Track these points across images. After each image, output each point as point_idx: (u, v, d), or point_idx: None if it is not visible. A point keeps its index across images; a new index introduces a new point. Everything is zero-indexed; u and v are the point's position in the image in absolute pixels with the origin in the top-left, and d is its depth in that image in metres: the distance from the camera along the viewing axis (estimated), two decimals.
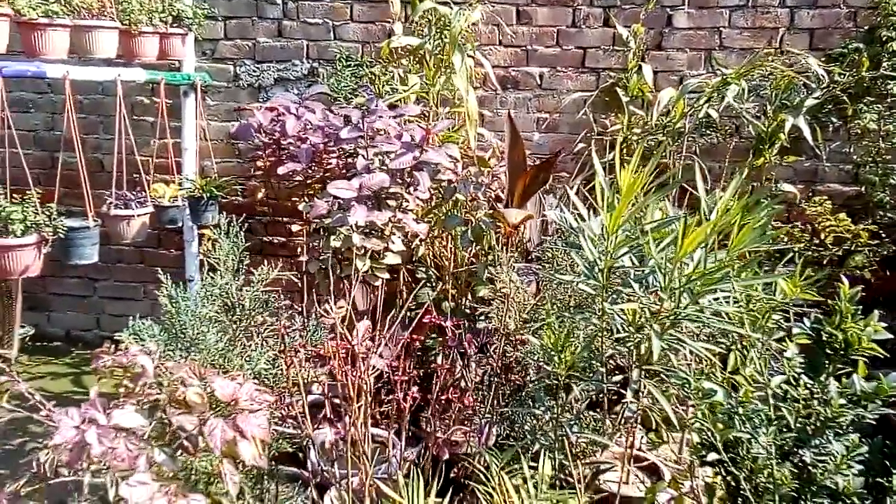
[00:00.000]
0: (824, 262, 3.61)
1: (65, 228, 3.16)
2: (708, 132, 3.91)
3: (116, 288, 4.63)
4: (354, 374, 2.47)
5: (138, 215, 3.61)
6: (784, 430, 1.79)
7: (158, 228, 4.19)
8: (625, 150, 3.88)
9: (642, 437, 2.53)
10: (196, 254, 4.31)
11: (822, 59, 3.75)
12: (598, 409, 2.74)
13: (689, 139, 3.90)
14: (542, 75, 4.09)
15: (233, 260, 2.72)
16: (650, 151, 3.85)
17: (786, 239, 3.74)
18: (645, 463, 2.87)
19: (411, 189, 2.87)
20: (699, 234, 1.87)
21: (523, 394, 2.67)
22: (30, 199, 3.05)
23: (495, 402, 2.61)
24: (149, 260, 4.56)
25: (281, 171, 2.91)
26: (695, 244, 1.87)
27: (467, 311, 3.41)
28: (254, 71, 4.27)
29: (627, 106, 3.88)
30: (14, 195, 3.08)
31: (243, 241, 2.77)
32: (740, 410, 1.79)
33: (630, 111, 3.88)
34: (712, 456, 1.78)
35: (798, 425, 1.78)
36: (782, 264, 3.55)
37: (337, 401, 2.56)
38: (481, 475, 2.23)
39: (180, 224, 4.04)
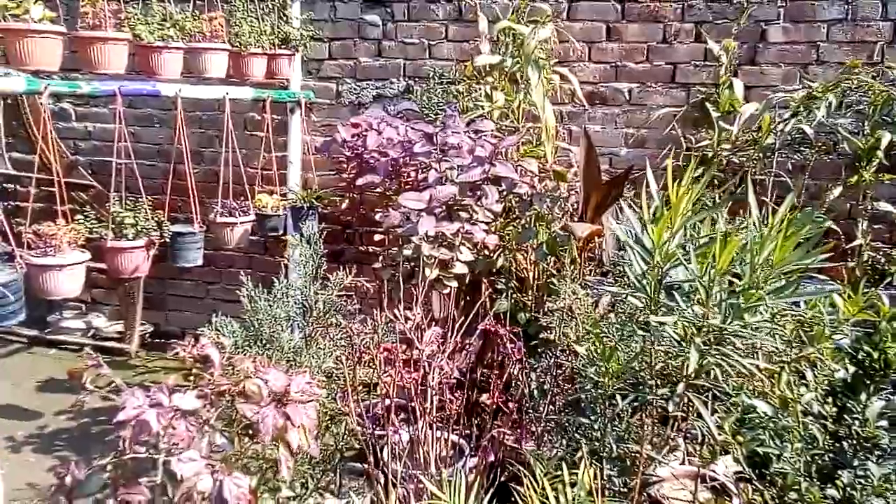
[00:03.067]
0: None
1: (170, 233, 3.46)
2: (801, 148, 3.80)
3: (226, 290, 4.97)
4: (417, 377, 2.60)
5: (241, 223, 3.90)
6: (814, 447, 1.76)
7: (263, 236, 4.49)
8: (715, 166, 3.84)
9: (699, 452, 2.51)
10: (298, 260, 4.58)
11: None
12: (662, 424, 2.74)
13: (783, 156, 3.80)
14: (631, 91, 4.11)
15: (312, 266, 2.91)
16: (740, 168, 3.79)
17: (883, 260, 3.59)
18: (715, 482, 2.84)
19: (482, 201, 2.98)
20: (732, 249, 1.87)
21: (581, 405, 2.70)
22: (141, 205, 3.38)
23: (551, 410, 2.66)
24: (256, 265, 4.87)
25: (360, 182, 3.09)
26: (728, 259, 1.88)
27: (541, 322, 3.47)
28: (354, 89, 4.51)
29: (718, 122, 3.83)
30: (129, 203, 3.42)
31: (330, 247, 2.96)
32: (770, 426, 1.78)
33: (720, 127, 3.83)
34: (734, 468, 1.78)
35: (833, 445, 1.75)
36: (882, 287, 3.42)
37: (403, 402, 2.69)
38: (526, 479, 2.29)
39: (281, 232, 4.30)
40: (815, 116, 3.46)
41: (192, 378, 2.17)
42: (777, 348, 1.98)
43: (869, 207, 3.61)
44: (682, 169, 3.96)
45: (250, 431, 2.14)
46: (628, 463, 2.51)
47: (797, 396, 1.77)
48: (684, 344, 2.21)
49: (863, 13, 3.71)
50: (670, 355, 2.31)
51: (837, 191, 3.59)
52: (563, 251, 3.43)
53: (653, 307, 2.21)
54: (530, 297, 3.58)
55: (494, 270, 3.61)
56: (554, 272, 3.60)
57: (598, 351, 2.21)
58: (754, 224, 2.17)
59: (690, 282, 2.16)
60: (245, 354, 2.60)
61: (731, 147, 3.79)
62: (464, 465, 2.72)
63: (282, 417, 1.97)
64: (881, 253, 3.65)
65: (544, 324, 3.15)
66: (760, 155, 3.71)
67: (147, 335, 5.01)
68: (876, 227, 3.76)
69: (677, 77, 4.04)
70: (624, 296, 2.23)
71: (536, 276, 3.61)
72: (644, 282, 2.20)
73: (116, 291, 4.94)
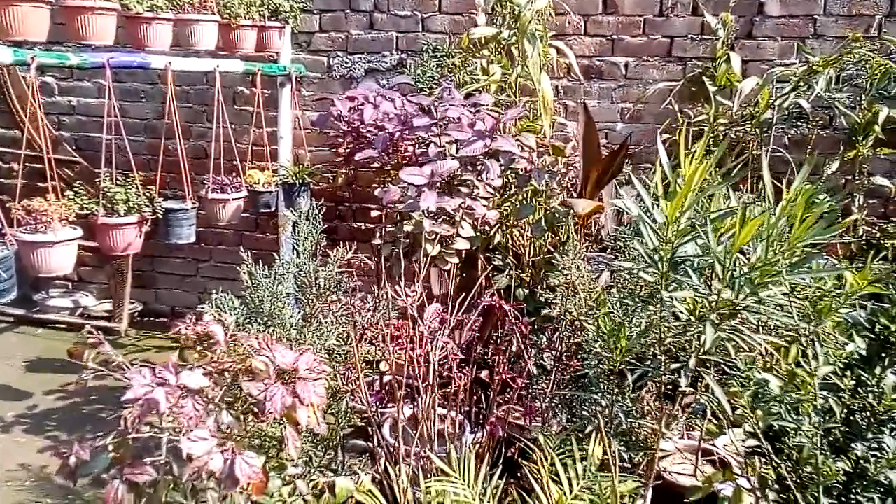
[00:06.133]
0: None
1: (163, 209, 3.39)
2: (798, 123, 3.79)
3: (217, 268, 4.91)
4: (421, 354, 2.58)
5: (233, 199, 3.83)
6: (830, 420, 1.76)
7: (255, 213, 4.42)
8: (711, 142, 3.81)
9: (702, 427, 2.52)
10: (290, 237, 4.53)
11: None
12: (667, 400, 2.74)
13: (780, 130, 3.79)
14: (628, 65, 4.07)
15: (311, 242, 2.87)
16: (737, 142, 3.77)
17: (878, 234, 3.60)
18: (714, 456, 2.85)
19: (482, 176, 2.94)
20: (754, 225, 1.85)
21: (586, 380, 2.69)
22: (132, 181, 3.30)
23: (556, 386, 2.65)
24: (247, 243, 4.81)
25: (358, 157, 3.04)
26: (749, 235, 1.86)
27: (541, 298, 3.45)
28: (346, 62, 4.43)
29: (714, 96, 3.80)
30: (119, 178, 3.34)
31: (323, 224, 2.92)
32: (786, 399, 1.77)
33: (717, 101, 3.80)
34: (751, 442, 1.77)
35: (847, 417, 1.75)
36: (876, 260, 3.43)
37: (404, 379, 2.67)
38: (536, 454, 2.28)
39: (274, 208, 4.25)
40: (813, 91, 3.45)
41: (196, 355, 2.12)
42: (794, 323, 1.96)
43: (866, 182, 3.61)
44: (678, 145, 3.96)
45: (255, 410, 2.11)
46: (633, 438, 2.51)
47: (813, 370, 1.76)
48: (693, 319, 2.20)
49: None
50: (679, 330, 2.30)
51: (835, 165, 3.59)
52: (559, 227, 3.41)
53: (665, 282, 2.19)
54: (527, 273, 3.55)
55: (491, 247, 3.59)
56: (550, 248, 3.58)
57: (608, 327, 2.19)
58: (767, 199, 2.16)
59: (702, 257, 2.15)
60: (247, 332, 2.56)
61: (729, 122, 3.77)
62: (471, 441, 2.71)
63: (290, 395, 1.94)
64: (876, 227, 3.65)
65: (543, 299, 3.13)
66: (758, 130, 3.69)
67: (136, 314, 4.94)
68: (871, 201, 3.77)
69: (674, 51, 4.00)
70: (635, 271, 2.20)
71: (533, 252, 3.59)
72: (656, 257, 2.18)
73: (104, 270, 4.86)
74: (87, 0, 3.06)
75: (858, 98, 3.61)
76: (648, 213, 2.19)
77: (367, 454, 2.82)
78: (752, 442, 1.82)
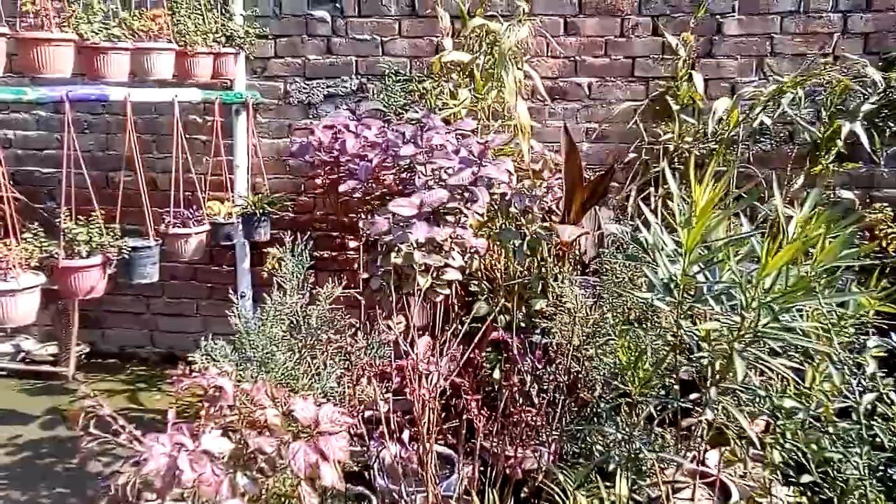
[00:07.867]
0: (886, 270, 3.54)
1: (129, 249, 3.20)
2: (761, 139, 3.87)
3: (169, 305, 4.69)
4: (421, 391, 2.48)
5: (196, 233, 3.66)
6: (877, 449, 1.76)
7: (214, 245, 4.24)
8: (675, 160, 3.86)
9: (722, 454, 2.49)
10: (247, 270, 4.36)
11: (878, 63, 3.70)
12: (663, 426, 2.72)
13: (743, 147, 3.86)
14: (591, 85, 4.08)
15: (297, 278, 2.74)
16: (702, 160, 3.82)
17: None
18: (710, 479, 2.84)
19: (469, 204, 2.88)
20: (787, 253, 1.84)
21: (587, 410, 2.65)
22: (94, 220, 3.10)
23: (563, 419, 2.59)
24: (201, 277, 4.61)
25: (342, 188, 2.93)
26: (783, 261, 1.85)
27: (522, 324, 3.39)
28: (304, 88, 4.31)
29: (678, 115, 3.85)
30: (79, 216, 3.13)
31: (307, 258, 2.79)
32: (830, 430, 1.76)
33: (681, 120, 3.85)
34: (806, 478, 1.76)
35: (892, 444, 1.75)
36: (839, 272, 3.52)
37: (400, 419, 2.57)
38: (554, 494, 2.22)
39: (235, 241, 4.08)
40: (779, 108, 3.52)
41: (202, 412, 1.98)
42: (813, 346, 1.97)
43: (832, 196, 3.71)
44: (646, 164, 3.99)
45: (264, 467, 1.98)
46: (645, 469, 2.48)
47: (859, 399, 1.75)
48: (707, 346, 2.19)
49: (815, 5, 3.80)
50: (692, 358, 2.28)
51: (800, 180, 3.67)
52: (537, 250, 3.37)
53: (681, 311, 2.17)
54: (500, 296, 3.49)
55: (468, 272, 3.52)
56: (525, 272, 3.53)
57: (626, 358, 2.16)
58: (783, 227, 2.16)
59: (720, 284, 2.13)
60: (240, 378, 2.42)
61: (693, 140, 3.82)
62: (472, 477, 2.62)
63: (314, 452, 1.82)
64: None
65: (525, 325, 3.09)
66: (723, 147, 3.74)
67: (83, 356, 4.66)
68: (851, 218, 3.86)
69: (636, 71, 4.03)
70: (651, 300, 2.17)
71: (507, 277, 3.53)
72: (672, 285, 2.16)
73: (48, 311, 4.56)
74: (44, 31, 2.87)
75: (818, 114, 3.71)
76: (663, 242, 2.17)
77: (366, 501, 2.71)
78: (806, 477, 1.80)
